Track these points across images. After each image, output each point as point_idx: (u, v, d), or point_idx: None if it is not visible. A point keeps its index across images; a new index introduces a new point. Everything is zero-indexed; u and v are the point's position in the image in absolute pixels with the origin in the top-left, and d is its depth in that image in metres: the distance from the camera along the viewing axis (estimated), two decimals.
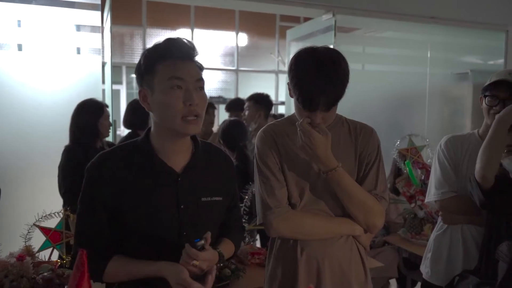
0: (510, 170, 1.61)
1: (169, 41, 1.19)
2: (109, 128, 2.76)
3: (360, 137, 1.43)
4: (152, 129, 1.24)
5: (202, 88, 1.20)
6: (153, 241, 1.19)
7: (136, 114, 3.06)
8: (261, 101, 3.53)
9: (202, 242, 1.13)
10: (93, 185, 1.20)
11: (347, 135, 1.43)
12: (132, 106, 3.21)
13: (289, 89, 1.38)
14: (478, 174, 1.61)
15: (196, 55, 1.21)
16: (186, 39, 1.21)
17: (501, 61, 4.23)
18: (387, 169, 3.13)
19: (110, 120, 2.80)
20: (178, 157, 1.23)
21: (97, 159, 1.23)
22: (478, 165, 1.62)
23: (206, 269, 1.15)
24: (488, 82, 1.81)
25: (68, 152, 2.59)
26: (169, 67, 1.15)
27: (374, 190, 1.40)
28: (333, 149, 1.35)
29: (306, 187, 1.41)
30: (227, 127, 3.00)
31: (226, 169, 1.36)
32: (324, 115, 1.34)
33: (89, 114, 2.63)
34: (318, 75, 1.28)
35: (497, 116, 1.58)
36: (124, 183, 1.19)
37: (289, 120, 1.47)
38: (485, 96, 1.81)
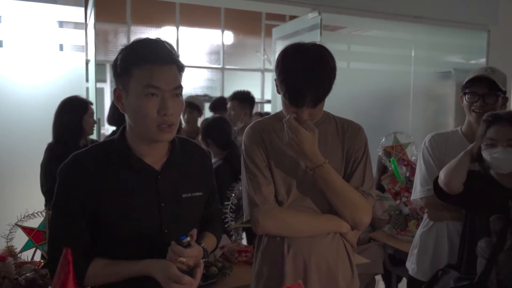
0: (490, 163, 1.63)
1: (146, 44, 1.15)
2: (94, 126, 2.71)
3: (347, 134, 1.43)
4: (127, 128, 1.22)
5: (179, 95, 1.17)
6: (135, 241, 1.18)
7: (120, 111, 3.02)
8: (245, 100, 3.52)
9: (188, 239, 1.13)
10: (68, 187, 1.16)
11: (334, 132, 1.43)
12: None
13: (276, 85, 1.38)
14: (443, 182, 1.68)
15: (176, 58, 1.17)
16: (166, 42, 1.17)
17: (483, 60, 4.31)
18: (373, 166, 3.16)
19: (95, 118, 2.76)
20: (155, 155, 1.22)
21: (71, 160, 1.19)
22: (441, 174, 1.68)
23: (192, 265, 1.14)
24: (466, 80, 1.85)
25: (50, 150, 2.54)
26: (145, 73, 1.11)
27: (361, 186, 1.41)
28: (320, 146, 1.35)
29: (293, 184, 1.41)
30: (216, 124, 2.94)
31: (204, 163, 1.35)
32: (311, 112, 1.34)
33: (73, 112, 2.59)
34: (304, 71, 1.28)
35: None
36: (102, 184, 1.16)
37: (276, 116, 1.46)
38: (465, 94, 1.85)
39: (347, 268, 1.46)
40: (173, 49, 1.17)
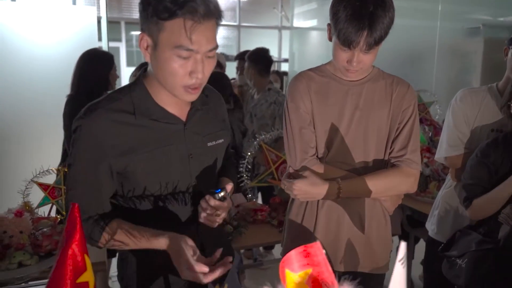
0: None
1: None
2: (116, 80, 2.68)
3: (395, 93, 1.36)
4: (149, 75, 1.11)
5: (213, 56, 1.06)
6: (163, 196, 1.12)
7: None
8: (256, 58, 3.36)
9: (223, 193, 1.10)
10: (94, 141, 1.04)
11: (382, 91, 1.37)
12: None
13: (328, 31, 1.31)
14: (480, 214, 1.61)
15: (217, 8, 1.02)
16: None
17: None
18: None
19: None
20: (179, 104, 1.13)
21: (89, 111, 1.05)
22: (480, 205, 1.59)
23: (225, 216, 1.12)
24: None
25: (74, 101, 2.47)
26: (179, 31, 0.97)
27: (405, 149, 1.35)
28: (367, 105, 1.33)
29: (335, 138, 1.36)
30: (223, 79, 2.84)
31: (220, 108, 1.29)
32: (362, 58, 1.26)
33: (101, 65, 2.54)
34: (362, 11, 1.19)
35: None
36: (129, 138, 1.06)
37: (318, 69, 1.41)
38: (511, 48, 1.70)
39: (381, 229, 1.44)
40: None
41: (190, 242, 1.02)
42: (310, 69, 1.42)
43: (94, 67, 2.51)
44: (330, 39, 1.31)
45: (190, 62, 1.02)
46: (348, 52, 1.25)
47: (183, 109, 1.15)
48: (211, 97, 1.26)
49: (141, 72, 1.14)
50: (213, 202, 1.06)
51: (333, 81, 1.37)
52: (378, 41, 1.23)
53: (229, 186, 1.11)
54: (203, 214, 1.09)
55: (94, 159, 1.06)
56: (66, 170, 1.93)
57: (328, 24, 1.30)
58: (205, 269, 0.97)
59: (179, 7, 0.96)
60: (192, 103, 1.16)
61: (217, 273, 0.98)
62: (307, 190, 1.29)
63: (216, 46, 1.06)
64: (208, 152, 1.19)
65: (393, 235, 3.08)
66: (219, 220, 1.09)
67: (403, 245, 0.61)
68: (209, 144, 1.19)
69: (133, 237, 1.06)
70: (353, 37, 1.21)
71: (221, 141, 1.23)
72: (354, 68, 1.28)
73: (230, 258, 1.02)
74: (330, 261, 1.35)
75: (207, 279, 0.98)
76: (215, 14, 1.02)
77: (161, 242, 1.04)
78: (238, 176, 2.23)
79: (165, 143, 1.11)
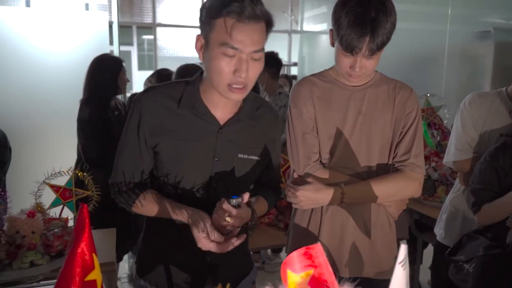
0: None
1: None
2: (126, 85, 2.71)
3: (398, 97, 1.36)
4: (204, 77, 1.18)
5: (259, 59, 1.09)
6: (182, 188, 1.18)
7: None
8: (269, 61, 3.38)
9: (239, 200, 1.10)
10: (139, 115, 1.16)
11: (385, 95, 1.37)
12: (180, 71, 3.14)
13: (331, 36, 1.32)
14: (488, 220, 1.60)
15: (266, 13, 1.06)
16: None
17: None
18: None
19: None
20: (224, 108, 1.18)
21: (146, 91, 1.19)
22: (489, 218, 1.59)
23: (238, 226, 1.12)
24: None
25: (86, 105, 2.50)
26: (226, 29, 1.03)
27: (408, 153, 1.34)
28: (369, 110, 1.33)
29: (338, 143, 1.36)
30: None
31: (271, 129, 1.29)
32: (365, 63, 1.27)
33: (109, 70, 2.58)
34: (364, 17, 1.20)
35: None
36: (166, 122, 1.15)
37: (326, 73, 1.42)
38: None
39: (386, 234, 1.43)
40: (261, 2, 1.07)
41: (208, 216, 1.11)
42: (312, 75, 1.43)
43: (102, 72, 2.55)
44: (333, 45, 1.31)
45: (234, 60, 1.07)
46: (351, 58, 1.26)
47: (226, 115, 1.19)
48: (264, 115, 1.27)
49: (199, 73, 1.21)
50: (225, 205, 1.07)
51: (336, 86, 1.37)
52: (380, 47, 1.24)
53: (246, 196, 1.11)
54: (213, 215, 1.11)
55: (138, 130, 1.17)
56: (78, 172, 1.98)
57: (331, 30, 1.31)
58: (221, 238, 1.08)
59: (225, 7, 1.03)
60: (238, 112, 1.20)
61: (232, 245, 1.08)
62: (311, 196, 1.28)
63: (262, 49, 1.09)
64: (237, 162, 1.20)
65: (401, 239, 3.06)
66: (227, 226, 1.09)
67: (403, 248, 0.62)
68: (240, 155, 1.20)
69: (164, 207, 1.17)
70: (355, 43, 1.21)
71: (255, 157, 1.23)
72: (356, 74, 1.28)
73: (244, 235, 1.11)
74: (334, 266, 1.35)
75: (221, 249, 1.08)
76: (262, 18, 1.07)
77: (183, 214, 1.13)
78: None
79: (195, 138, 1.16)
